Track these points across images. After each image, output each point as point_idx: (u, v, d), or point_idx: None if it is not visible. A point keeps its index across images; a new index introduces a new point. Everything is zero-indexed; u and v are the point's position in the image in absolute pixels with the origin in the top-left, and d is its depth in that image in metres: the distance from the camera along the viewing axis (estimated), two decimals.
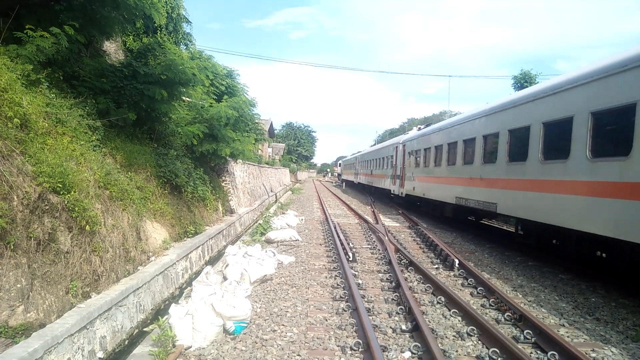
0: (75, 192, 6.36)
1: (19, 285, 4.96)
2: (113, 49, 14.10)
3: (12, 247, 4.99)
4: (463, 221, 17.93)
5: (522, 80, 28.09)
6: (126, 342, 6.60)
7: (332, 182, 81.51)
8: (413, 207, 24.07)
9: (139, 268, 7.94)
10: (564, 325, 6.92)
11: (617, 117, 8.15)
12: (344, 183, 63.41)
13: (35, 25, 8.05)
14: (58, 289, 5.67)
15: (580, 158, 8.89)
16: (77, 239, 6.29)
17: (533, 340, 6.08)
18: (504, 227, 19.43)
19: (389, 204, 28.69)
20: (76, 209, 6.28)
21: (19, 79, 6.84)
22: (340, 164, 79.39)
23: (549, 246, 11.48)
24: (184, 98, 14.30)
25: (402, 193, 24.30)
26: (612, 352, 5.91)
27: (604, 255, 9.48)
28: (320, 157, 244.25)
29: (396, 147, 26.91)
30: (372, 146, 47.30)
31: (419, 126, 26.00)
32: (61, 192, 6.12)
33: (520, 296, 8.46)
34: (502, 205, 12.22)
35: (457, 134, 16.19)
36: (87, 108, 8.87)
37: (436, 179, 18.35)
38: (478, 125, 14.37)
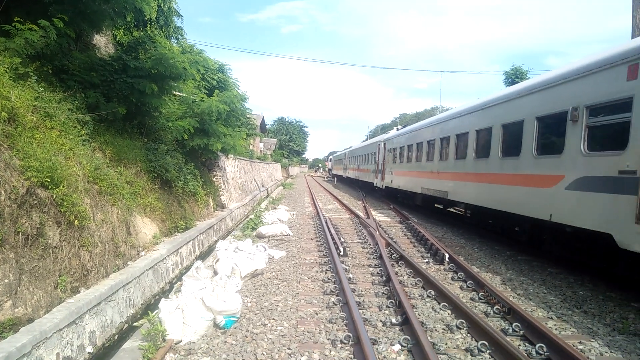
0: (63, 186, 6.32)
1: (6, 281, 4.93)
2: (103, 43, 13.98)
3: None
4: (430, 208, 21.47)
5: (514, 76, 28.26)
6: (116, 337, 6.59)
7: (324, 177, 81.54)
8: (392, 197, 27.35)
9: (128, 263, 7.91)
10: (552, 318, 6.99)
11: (514, 128, 11.44)
12: (335, 178, 63.43)
13: (24, 18, 7.93)
14: (47, 283, 5.64)
15: (497, 156, 12.08)
16: (65, 233, 6.25)
17: (521, 332, 6.15)
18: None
19: (379, 198, 28.81)
20: (65, 203, 6.24)
21: (6, 72, 6.77)
22: (331, 159, 79.85)
23: (486, 224, 14.68)
24: (174, 92, 14.22)
25: (382, 185, 28.13)
26: (599, 344, 5.99)
27: (516, 228, 12.14)
28: (312, 152, 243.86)
29: (378, 144, 29.97)
30: (362, 142, 49.36)
31: (397, 127, 31.16)
32: (49, 187, 6.08)
33: (510, 289, 8.53)
34: (451, 193, 15.51)
35: (421, 136, 19.76)
36: (77, 102, 8.79)
37: (408, 173, 21.68)
38: (437, 130, 17.64)
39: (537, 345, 5.55)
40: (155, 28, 15.33)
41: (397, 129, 28.25)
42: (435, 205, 20.78)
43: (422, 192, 18.84)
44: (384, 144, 28.08)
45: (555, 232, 9.95)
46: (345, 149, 57.70)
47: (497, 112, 12.34)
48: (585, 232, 8.39)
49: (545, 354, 5.44)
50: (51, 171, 6.09)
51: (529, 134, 10.38)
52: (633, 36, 17.09)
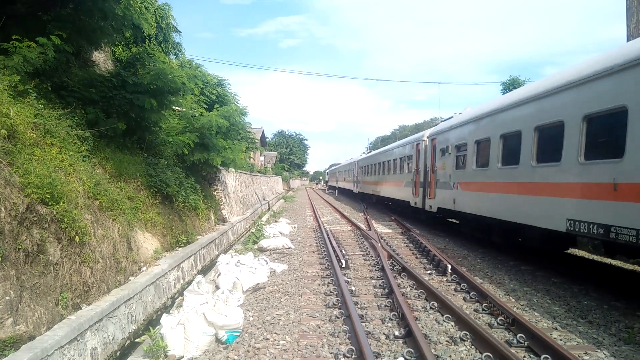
0: (64, 202, 6.32)
1: (7, 298, 4.90)
2: (102, 59, 14.07)
3: (0, 259, 4.93)
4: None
5: (511, 86, 28.36)
6: (118, 354, 6.53)
7: (325, 190, 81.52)
8: (428, 221, 20.64)
9: (130, 278, 7.88)
10: (556, 329, 6.93)
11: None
12: (336, 191, 63.31)
13: (22, 35, 8.00)
14: (48, 300, 5.61)
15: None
16: (66, 249, 6.23)
17: (526, 344, 6.08)
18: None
19: (382, 210, 28.69)
20: (65, 219, 6.23)
21: (5, 89, 6.80)
22: (327, 173, 79.48)
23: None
24: (174, 107, 14.27)
25: (430, 206, 18.04)
26: (604, 354, 5.93)
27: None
28: (313, 164, 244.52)
29: (418, 143, 20.43)
30: (365, 154, 42.51)
31: (455, 113, 18.27)
32: (50, 203, 6.08)
33: (513, 300, 8.48)
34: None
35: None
36: (76, 118, 8.83)
37: (497, 187, 13.18)
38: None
39: (542, 357, 5.49)
40: (154, 44, 15.43)
41: (455, 115, 17.50)
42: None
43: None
44: (431, 140, 18.43)
45: None
46: (349, 160, 55.80)
47: None
48: None
49: None
50: (51, 187, 6.09)
51: None
52: None
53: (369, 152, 41.75)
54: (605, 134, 8.33)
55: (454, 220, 18.68)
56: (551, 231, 9.54)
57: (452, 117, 17.63)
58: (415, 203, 20.10)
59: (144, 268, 8.59)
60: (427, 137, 19.15)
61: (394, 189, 24.92)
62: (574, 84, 8.95)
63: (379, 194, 30.07)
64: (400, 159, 23.78)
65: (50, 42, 8.19)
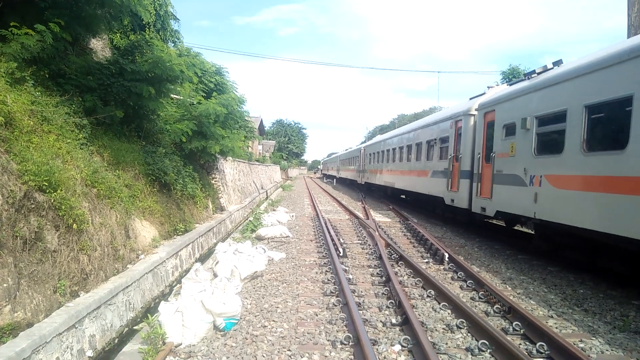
0: (61, 190, 6.31)
1: (5, 285, 4.91)
2: (100, 47, 13.97)
3: None
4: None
5: (511, 76, 28.27)
6: (116, 341, 6.57)
7: (323, 179, 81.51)
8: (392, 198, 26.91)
9: (128, 266, 7.90)
10: (552, 317, 6.98)
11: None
12: (334, 179, 63.21)
13: (20, 22, 7.94)
14: (46, 288, 5.62)
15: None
16: (64, 237, 6.24)
17: (522, 331, 6.13)
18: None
19: (380, 199, 28.69)
20: (63, 207, 6.23)
21: (3, 76, 6.77)
22: (322, 162, 77.50)
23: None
24: (172, 95, 14.21)
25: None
26: (599, 342, 5.97)
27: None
28: (311, 154, 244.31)
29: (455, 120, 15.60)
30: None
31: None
32: (47, 191, 6.07)
33: (510, 288, 8.52)
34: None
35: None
36: (74, 106, 8.79)
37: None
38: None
39: (538, 344, 5.54)
40: (152, 32, 15.34)
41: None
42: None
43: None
44: (483, 114, 13.30)
45: None
46: (347, 149, 53.85)
47: None
48: None
49: (546, 352, 5.42)
50: (49, 175, 6.08)
51: None
52: (629, 35, 17.11)
53: (377, 137, 36.59)
54: None
55: (526, 230, 14.26)
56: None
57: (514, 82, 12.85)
58: (453, 200, 15.31)
59: (142, 256, 8.61)
60: (477, 110, 13.92)
61: (417, 180, 19.86)
62: None
63: (393, 186, 24.96)
64: (428, 142, 18.58)
65: (48, 30, 8.12)
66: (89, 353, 5.75)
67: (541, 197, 9.95)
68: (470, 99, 15.68)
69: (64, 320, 5.28)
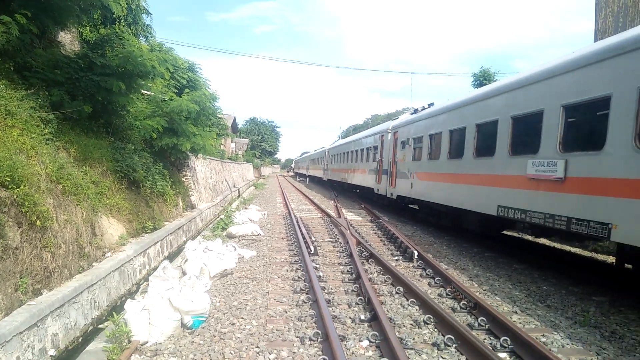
0: (25, 186, 6.14)
1: None
2: (69, 40, 13.65)
3: None
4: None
5: (482, 78, 28.69)
6: (80, 340, 6.43)
7: (296, 178, 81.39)
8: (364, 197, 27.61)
9: (93, 264, 7.75)
10: (516, 312, 7.15)
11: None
12: (307, 179, 63.30)
13: None
14: (6, 286, 5.47)
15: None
16: (27, 234, 6.08)
17: (487, 327, 6.27)
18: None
19: (352, 198, 28.88)
20: (26, 203, 6.06)
21: None
22: (295, 161, 79.79)
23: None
24: (143, 91, 13.97)
25: None
26: (560, 336, 6.15)
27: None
28: (285, 152, 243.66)
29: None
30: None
31: None
32: (10, 186, 5.90)
33: (476, 285, 8.69)
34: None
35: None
36: (40, 100, 8.55)
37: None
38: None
39: (502, 339, 5.67)
40: (124, 26, 15.06)
41: None
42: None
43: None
44: (393, 133, 19.75)
45: None
46: (317, 149, 55.76)
47: None
48: None
49: (510, 346, 5.56)
50: (11, 170, 5.91)
51: None
52: (595, 39, 17.59)
53: (337, 142, 42.24)
54: None
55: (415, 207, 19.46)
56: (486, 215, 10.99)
57: (414, 112, 18.50)
58: (378, 190, 21.61)
59: (109, 254, 8.46)
60: (391, 130, 20.21)
61: (361, 176, 26.06)
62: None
63: (346, 181, 31.05)
64: (367, 148, 24.75)
65: (14, 21, 7.89)
66: (52, 352, 5.62)
67: (414, 185, 16.40)
68: (392, 120, 22.32)
69: (25, 319, 5.14)
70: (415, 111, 18.34)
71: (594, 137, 7.74)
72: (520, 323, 6.60)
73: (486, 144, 11.23)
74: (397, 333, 5.90)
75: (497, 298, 7.88)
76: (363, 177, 25.38)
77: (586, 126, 8.41)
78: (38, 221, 6.26)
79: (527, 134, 9.67)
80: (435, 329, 6.20)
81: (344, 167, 32.46)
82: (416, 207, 18.73)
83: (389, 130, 20.47)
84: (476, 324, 6.32)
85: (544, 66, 9.44)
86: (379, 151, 21.88)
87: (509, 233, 14.76)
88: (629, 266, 8.93)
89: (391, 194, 19.40)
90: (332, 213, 19.29)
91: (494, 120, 10.78)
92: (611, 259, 11.68)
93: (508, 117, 10.20)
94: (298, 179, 72.26)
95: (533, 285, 8.88)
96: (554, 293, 8.36)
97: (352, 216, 19.21)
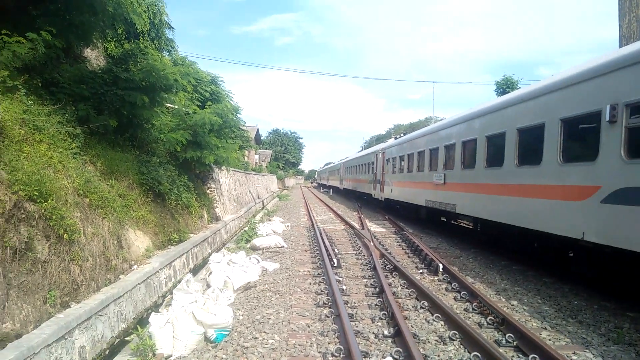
0: (52, 200, 6.27)
1: None
2: (94, 56, 13.99)
3: None
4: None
5: (504, 86, 28.40)
6: (107, 352, 6.49)
7: (320, 189, 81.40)
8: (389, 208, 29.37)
9: (120, 277, 7.84)
10: (546, 329, 6.95)
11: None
12: (331, 189, 63.49)
13: (11, 30, 7.93)
14: (35, 298, 5.57)
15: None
16: (55, 247, 6.19)
17: (515, 343, 6.10)
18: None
19: (376, 210, 28.76)
20: (54, 217, 6.18)
21: None
22: (317, 172, 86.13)
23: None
24: (167, 104, 14.19)
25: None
26: (592, 354, 5.95)
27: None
28: (308, 163, 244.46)
29: None
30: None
31: None
32: (38, 200, 6.03)
33: (504, 300, 8.50)
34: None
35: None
36: (67, 115, 8.77)
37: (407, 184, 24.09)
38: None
39: (530, 357, 5.51)
40: (147, 40, 15.36)
41: None
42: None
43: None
44: (382, 153, 27.64)
45: None
46: (336, 162, 60.65)
47: None
48: None
49: None
50: (39, 184, 6.04)
51: None
52: (620, 45, 17.26)
53: (349, 157, 50.99)
54: None
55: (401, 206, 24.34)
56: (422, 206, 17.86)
57: (395, 138, 26.50)
58: (374, 195, 29.15)
59: (135, 266, 8.55)
60: (380, 151, 27.94)
61: (363, 184, 34.11)
62: None
63: (356, 189, 38.83)
64: (367, 164, 32.35)
65: (40, 38, 8.12)
66: None
67: (392, 190, 23.40)
68: (384, 142, 31.54)
69: (53, 331, 5.22)
70: (395, 138, 26.32)
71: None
72: (550, 340, 6.41)
73: (420, 164, 18.43)
74: (421, 349, 5.80)
75: (526, 313, 7.69)
76: (365, 185, 33.25)
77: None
78: (65, 234, 6.37)
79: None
80: (461, 346, 6.07)
81: (353, 177, 40.59)
82: (398, 206, 24.35)
83: (379, 151, 28.11)
84: (504, 341, 6.17)
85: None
86: (375, 166, 28.94)
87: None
88: None
89: (381, 197, 26.50)
90: (356, 224, 19.20)
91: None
92: None
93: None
94: (322, 190, 72.27)
95: (563, 299, 8.64)
96: (585, 308, 8.11)
97: (376, 228, 19.09)
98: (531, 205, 9.91)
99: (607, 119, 7.57)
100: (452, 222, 20.47)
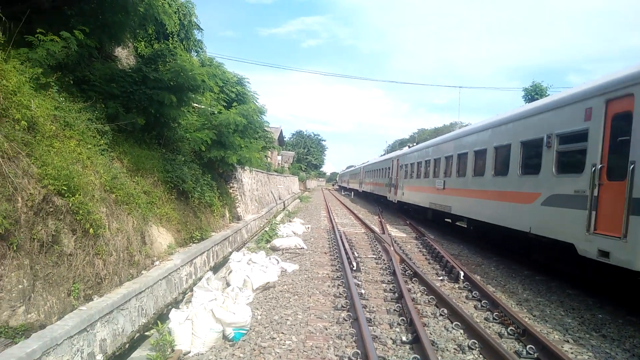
0: (80, 195, 6.42)
1: (20, 286, 5.00)
2: (125, 55, 14.26)
3: (15, 248, 5.04)
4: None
5: (533, 93, 27.97)
6: (127, 346, 6.62)
7: (341, 192, 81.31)
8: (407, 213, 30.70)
9: (142, 272, 7.97)
10: (568, 341, 6.81)
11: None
12: (352, 192, 63.58)
13: (46, 29, 8.16)
14: (60, 290, 5.70)
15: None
16: (80, 241, 6.33)
17: (535, 355, 5.99)
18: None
19: (397, 214, 28.62)
20: (80, 211, 6.33)
21: (28, 82, 6.93)
22: (339, 176, 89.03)
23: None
24: (193, 104, 14.39)
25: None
26: None
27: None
28: (330, 165, 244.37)
29: None
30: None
31: None
32: (66, 195, 6.18)
33: (525, 310, 8.36)
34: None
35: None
36: (96, 112, 8.96)
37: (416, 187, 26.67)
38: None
39: None
40: (176, 41, 15.60)
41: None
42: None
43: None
44: (397, 160, 30.91)
45: None
46: (357, 165, 63.67)
47: None
48: None
49: None
50: (68, 179, 6.19)
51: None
52: None
53: (368, 161, 53.94)
54: None
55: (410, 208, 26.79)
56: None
57: (409, 147, 29.43)
58: (388, 197, 31.95)
59: (157, 262, 8.69)
60: (395, 157, 30.76)
61: (380, 188, 36.70)
62: None
63: (374, 192, 41.67)
64: (384, 169, 35.06)
65: (73, 37, 8.33)
66: (99, 357, 5.80)
67: (404, 194, 25.84)
68: (400, 150, 35.27)
69: (76, 324, 5.34)
70: (409, 147, 28.94)
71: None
72: (572, 353, 6.28)
73: (426, 171, 21.03)
74: (439, 357, 5.75)
75: (548, 325, 7.55)
76: (382, 188, 35.77)
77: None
78: (91, 229, 6.51)
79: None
80: (480, 355, 5.99)
81: (372, 181, 43.45)
82: (406, 206, 27.13)
83: (394, 158, 30.96)
84: (524, 352, 6.06)
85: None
86: (391, 171, 31.26)
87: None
88: None
89: (395, 200, 29.21)
90: (376, 228, 19.12)
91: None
92: None
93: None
94: (343, 193, 72.17)
95: (587, 312, 8.46)
96: (610, 322, 7.92)
97: (397, 232, 18.99)
98: (502, 207, 12.50)
99: (546, 144, 10.29)
100: (470, 228, 20.24)
